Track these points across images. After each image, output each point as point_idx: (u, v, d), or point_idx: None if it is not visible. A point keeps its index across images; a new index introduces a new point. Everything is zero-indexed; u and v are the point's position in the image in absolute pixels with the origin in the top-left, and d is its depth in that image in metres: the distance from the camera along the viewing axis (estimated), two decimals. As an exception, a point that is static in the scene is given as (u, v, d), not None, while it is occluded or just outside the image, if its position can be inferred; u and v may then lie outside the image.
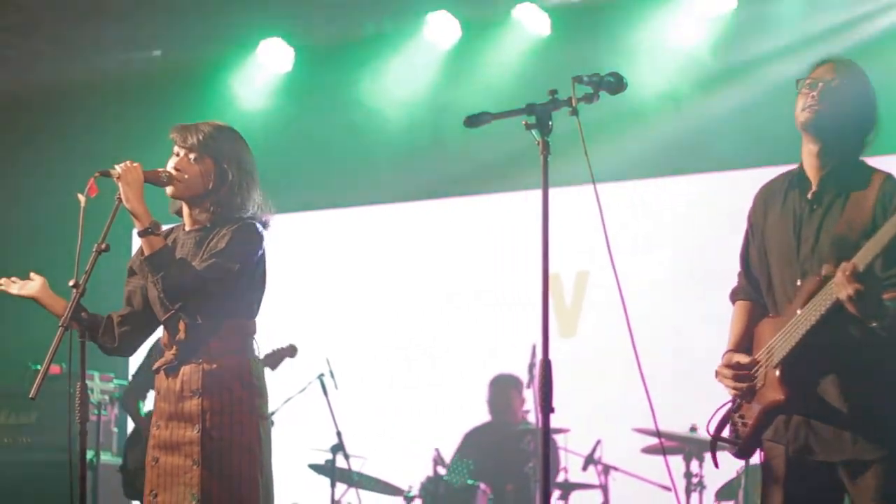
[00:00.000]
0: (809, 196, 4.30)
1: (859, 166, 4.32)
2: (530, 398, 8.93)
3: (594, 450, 8.42)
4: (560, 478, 8.64)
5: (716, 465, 4.51)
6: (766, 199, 4.49)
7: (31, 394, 4.50)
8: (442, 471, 8.81)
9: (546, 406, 3.74)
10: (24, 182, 10.93)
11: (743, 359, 4.31)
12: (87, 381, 4.88)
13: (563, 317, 9.67)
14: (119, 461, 8.97)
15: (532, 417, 8.99)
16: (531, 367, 8.47)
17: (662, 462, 5.18)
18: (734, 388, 4.30)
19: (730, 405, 4.41)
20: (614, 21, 9.54)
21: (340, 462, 8.73)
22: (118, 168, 4.75)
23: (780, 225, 4.37)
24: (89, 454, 7.86)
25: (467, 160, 9.69)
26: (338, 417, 8.71)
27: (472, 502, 8.51)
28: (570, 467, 8.63)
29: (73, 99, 10.87)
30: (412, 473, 9.00)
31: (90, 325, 4.92)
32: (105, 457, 8.55)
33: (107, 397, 8.63)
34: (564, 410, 9.22)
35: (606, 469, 8.45)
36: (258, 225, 4.89)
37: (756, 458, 4.41)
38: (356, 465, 8.82)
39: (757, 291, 4.49)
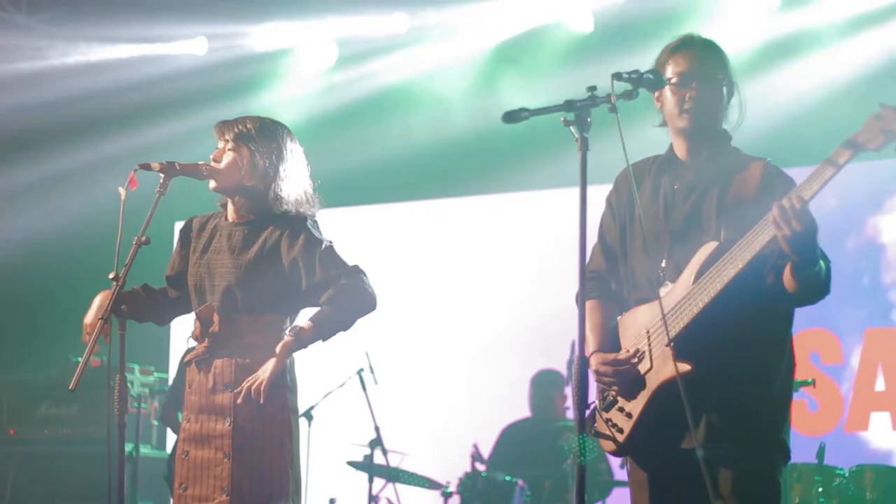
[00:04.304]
0: (687, 179, 4.18)
1: (734, 153, 4.24)
2: (570, 395, 8.91)
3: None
4: (598, 475, 8.64)
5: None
6: (631, 181, 4.22)
7: (71, 385, 4.52)
8: (480, 466, 8.82)
9: (581, 402, 3.72)
10: (66, 178, 10.98)
11: (621, 354, 4.14)
12: (128, 374, 4.91)
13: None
14: (159, 454, 9.03)
15: (571, 414, 8.98)
16: (571, 363, 8.46)
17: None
18: (616, 386, 4.12)
19: (595, 404, 4.21)
20: (659, 20, 9.49)
21: (378, 457, 8.75)
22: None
23: (649, 209, 4.21)
24: (129, 446, 7.90)
25: (511, 156, 9.66)
26: (376, 412, 8.73)
27: (510, 498, 8.51)
28: (610, 464, 8.63)
29: (115, 93, 10.90)
30: (450, 469, 9.00)
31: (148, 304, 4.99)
32: (145, 449, 8.59)
33: (147, 390, 8.66)
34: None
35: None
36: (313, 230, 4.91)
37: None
38: (394, 461, 8.84)
39: (606, 285, 4.33)
